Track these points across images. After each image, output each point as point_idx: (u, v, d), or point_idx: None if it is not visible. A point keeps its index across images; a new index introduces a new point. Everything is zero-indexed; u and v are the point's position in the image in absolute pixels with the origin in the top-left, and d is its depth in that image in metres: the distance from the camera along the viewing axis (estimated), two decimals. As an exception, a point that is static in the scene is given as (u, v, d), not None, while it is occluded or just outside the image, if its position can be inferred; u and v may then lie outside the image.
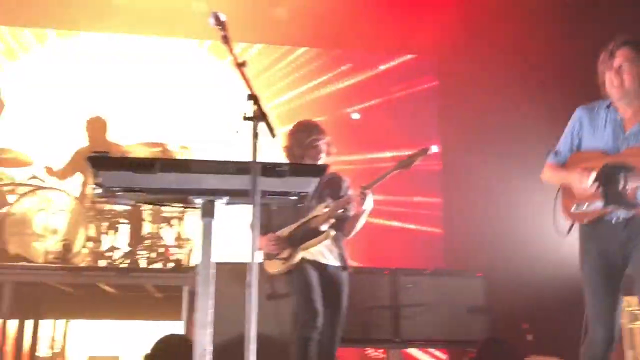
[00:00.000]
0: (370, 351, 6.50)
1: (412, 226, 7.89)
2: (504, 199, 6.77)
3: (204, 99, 7.89)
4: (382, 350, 6.09)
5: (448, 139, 7.65)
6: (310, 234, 3.70)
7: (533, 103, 6.56)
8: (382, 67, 8.38)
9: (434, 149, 3.81)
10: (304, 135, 3.85)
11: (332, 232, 3.73)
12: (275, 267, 3.73)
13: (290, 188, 2.23)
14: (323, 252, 3.78)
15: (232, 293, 3.74)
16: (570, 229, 2.98)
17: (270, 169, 2.16)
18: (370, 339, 4.91)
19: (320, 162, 3.78)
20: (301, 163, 3.73)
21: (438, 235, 7.87)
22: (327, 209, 3.71)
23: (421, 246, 7.71)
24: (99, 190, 2.18)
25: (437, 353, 7.12)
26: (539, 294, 5.98)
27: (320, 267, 3.74)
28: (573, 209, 2.94)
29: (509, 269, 6.12)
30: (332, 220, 3.76)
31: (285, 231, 3.79)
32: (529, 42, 6.71)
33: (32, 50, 7.81)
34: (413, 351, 6.95)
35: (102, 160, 2.09)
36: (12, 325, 5.33)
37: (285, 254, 3.70)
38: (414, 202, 7.91)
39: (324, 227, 3.70)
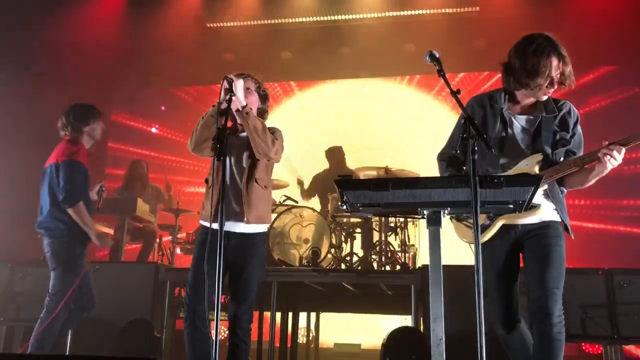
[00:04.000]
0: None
1: (621, 228, 7.10)
2: None
3: (414, 126, 7.98)
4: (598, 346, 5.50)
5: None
6: None
7: None
8: (580, 81, 7.71)
9: None
10: (534, 62, 2.55)
11: (542, 209, 2.57)
12: (467, 235, 2.66)
13: (507, 197, 2.14)
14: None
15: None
16: None
17: (487, 181, 2.10)
18: (587, 334, 4.45)
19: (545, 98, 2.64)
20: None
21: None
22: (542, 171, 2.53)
23: (632, 247, 6.89)
24: (345, 206, 2.30)
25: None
26: None
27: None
28: None
29: None
30: (545, 187, 2.61)
31: None
32: None
33: (280, 100, 8.58)
34: (632, 349, 6.19)
35: (347, 182, 2.21)
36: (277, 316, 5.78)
37: (481, 220, 2.59)
38: (623, 204, 7.11)
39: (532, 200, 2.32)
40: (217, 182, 2.90)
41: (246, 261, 3.02)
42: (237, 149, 3.11)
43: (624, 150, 2.43)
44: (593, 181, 2.56)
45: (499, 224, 2.59)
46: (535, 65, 2.52)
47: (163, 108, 9.03)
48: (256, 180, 3.07)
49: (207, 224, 3.05)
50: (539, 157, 2.60)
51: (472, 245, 2.38)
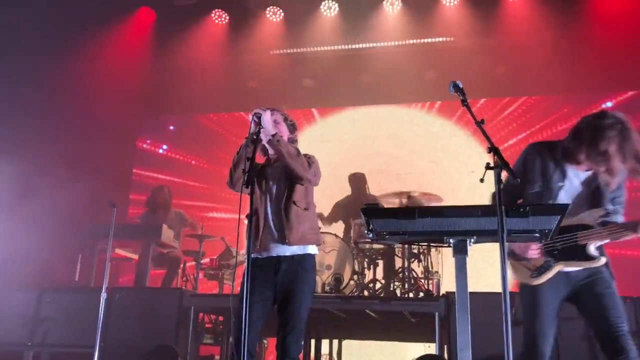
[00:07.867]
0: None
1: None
2: None
3: (436, 151, 8.00)
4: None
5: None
6: (575, 250, 2.69)
7: None
8: (604, 105, 7.66)
9: None
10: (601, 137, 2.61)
11: (603, 261, 2.71)
12: (524, 276, 2.77)
13: (533, 226, 2.17)
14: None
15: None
16: None
17: (514, 210, 2.13)
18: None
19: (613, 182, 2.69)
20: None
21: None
22: (603, 231, 2.65)
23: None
24: (371, 234, 2.33)
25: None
26: None
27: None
28: None
29: None
30: (606, 241, 2.71)
31: None
32: None
33: (302, 127, 8.68)
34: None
35: (374, 211, 2.26)
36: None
37: (539, 262, 2.75)
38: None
39: (593, 252, 2.69)
40: (255, 211, 2.96)
41: (296, 287, 2.95)
42: (274, 178, 3.15)
43: None
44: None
45: (557, 268, 2.70)
46: (607, 149, 2.59)
47: (177, 132, 9.17)
48: (294, 202, 3.07)
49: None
50: (601, 211, 2.71)
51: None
